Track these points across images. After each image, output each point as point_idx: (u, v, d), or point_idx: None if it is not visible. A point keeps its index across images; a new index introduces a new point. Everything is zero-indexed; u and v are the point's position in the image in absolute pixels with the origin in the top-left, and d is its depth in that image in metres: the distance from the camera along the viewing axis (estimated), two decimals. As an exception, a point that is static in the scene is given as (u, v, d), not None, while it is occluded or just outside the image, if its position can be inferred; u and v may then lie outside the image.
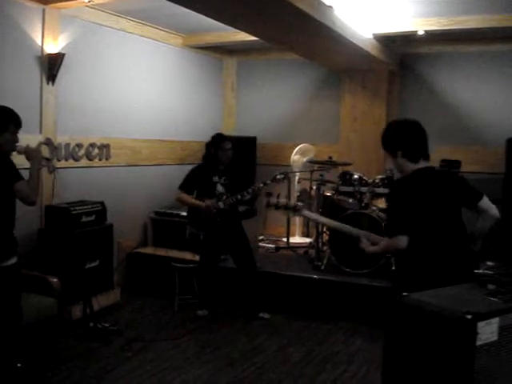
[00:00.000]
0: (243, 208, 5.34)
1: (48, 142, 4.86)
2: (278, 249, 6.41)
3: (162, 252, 5.83)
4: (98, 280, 4.81)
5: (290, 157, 6.84)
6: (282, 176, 4.79)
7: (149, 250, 5.97)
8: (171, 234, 5.94)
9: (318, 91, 7.19)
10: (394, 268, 4.74)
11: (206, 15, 4.40)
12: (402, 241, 2.63)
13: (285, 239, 6.70)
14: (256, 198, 5.01)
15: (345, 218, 5.05)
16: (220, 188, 4.92)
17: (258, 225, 6.58)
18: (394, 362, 2.22)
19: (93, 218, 4.88)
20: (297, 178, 6.79)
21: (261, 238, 6.71)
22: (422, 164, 2.73)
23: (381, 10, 5.11)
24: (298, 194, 6.75)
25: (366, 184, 5.52)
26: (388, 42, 6.05)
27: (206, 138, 5.15)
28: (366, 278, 5.01)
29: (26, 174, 3.12)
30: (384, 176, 5.56)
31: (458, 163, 5.77)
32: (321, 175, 5.82)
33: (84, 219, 4.78)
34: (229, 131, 6.98)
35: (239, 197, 4.80)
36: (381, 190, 5.41)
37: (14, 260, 3.07)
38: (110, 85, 5.63)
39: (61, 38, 4.92)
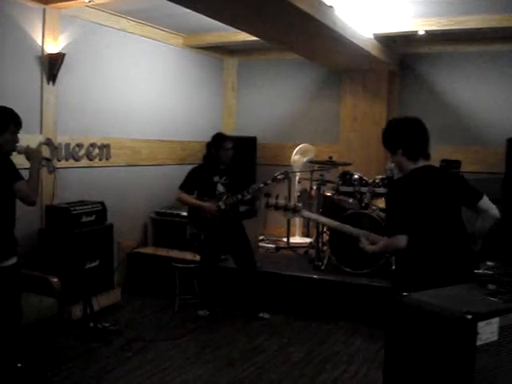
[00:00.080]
0: (244, 208, 5.34)
1: (48, 142, 4.86)
2: (278, 249, 6.41)
3: (162, 252, 5.83)
4: (98, 280, 4.81)
5: (290, 157, 6.84)
6: (283, 176, 4.79)
7: (149, 250, 5.98)
8: (171, 234, 5.94)
9: (318, 91, 7.19)
10: (393, 268, 4.74)
11: (207, 15, 4.40)
12: (401, 240, 2.63)
13: (285, 239, 6.70)
14: (256, 198, 5.00)
15: (345, 218, 5.05)
16: (220, 188, 4.92)
17: (259, 225, 6.58)
18: (395, 362, 2.22)
19: (93, 217, 4.88)
20: (297, 178, 6.79)
21: (261, 238, 6.71)
22: (421, 163, 2.73)
23: (381, 10, 5.11)
24: (299, 194, 6.76)
25: (366, 184, 5.52)
26: (388, 42, 6.05)
27: (206, 138, 5.15)
28: (366, 278, 5.01)
29: (25, 174, 3.12)
30: (384, 176, 5.55)
31: (458, 163, 5.78)
32: (321, 175, 5.82)
33: (84, 219, 4.78)
34: (229, 131, 6.96)
35: (240, 197, 4.79)
36: (381, 190, 5.40)
37: (13, 260, 3.07)
38: (111, 85, 5.63)
39: (61, 38, 4.92)
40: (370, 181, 5.54)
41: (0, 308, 3.03)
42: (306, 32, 4.73)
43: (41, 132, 4.83)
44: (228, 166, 4.97)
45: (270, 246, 6.49)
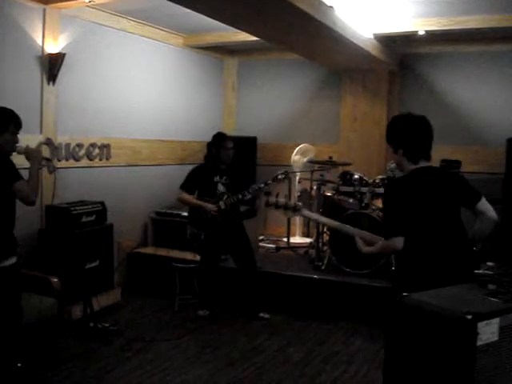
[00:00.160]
0: (244, 208, 5.34)
1: (48, 142, 4.86)
2: (278, 249, 6.41)
3: (162, 252, 5.83)
4: (98, 280, 4.81)
5: (290, 157, 6.84)
6: (283, 176, 4.79)
7: (149, 250, 5.98)
8: (171, 234, 5.94)
9: (318, 91, 7.19)
10: (393, 268, 4.74)
11: (207, 15, 4.40)
12: (398, 242, 2.62)
13: (285, 239, 6.71)
14: (257, 198, 5.00)
15: (345, 218, 5.05)
16: (221, 188, 4.92)
17: (259, 225, 6.58)
18: (395, 362, 2.22)
19: (93, 218, 4.88)
20: (297, 178, 6.79)
21: (261, 237, 6.71)
22: (421, 164, 2.71)
23: (381, 10, 5.11)
24: (299, 194, 6.76)
25: (367, 184, 5.52)
26: (388, 42, 6.05)
27: (206, 138, 5.15)
28: (366, 278, 5.01)
29: (25, 174, 3.12)
30: (384, 176, 5.56)
31: (458, 163, 5.78)
32: (321, 175, 5.82)
33: (84, 219, 4.78)
34: (229, 131, 6.96)
35: (240, 196, 4.79)
36: (381, 190, 5.40)
37: (13, 260, 3.07)
38: (111, 85, 5.63)
39: (61, 38, 4.92)
40: (370, 181, 5.54)
41: (0, 308, 3.03)
42: (306, 32, 4.73)
43: (41, 132, 4.83)
44: (228, 165, 4.97)
45: (270, 245, 6.49)
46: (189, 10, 4.24)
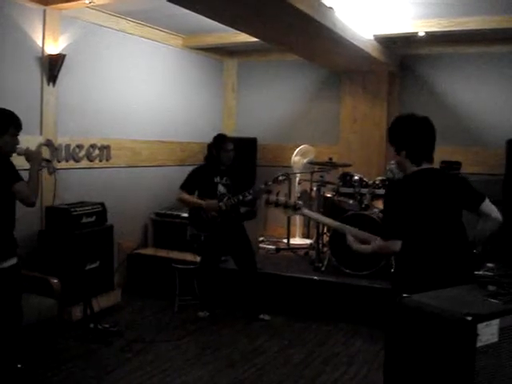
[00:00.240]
0: (244, 209, 5.34)
1: (48, 143, 4.86)
2: (278, 250, 6.41)
3: (162, 253, 5.83)
4: (98, 281, 4.81)
5: (290, 158, 6.84)
6: (284, 177, 4.79)
7: (149, 251, 5.98)
8: (171, 235, 5.94)
9: (318, 92, 7.19)
10: (393, 270, 4.74)
11: (206, 16, 4.40)
12: (395, 244, 2.62)
13: (285, 240, 6.70)
14: (257, 199, 5.00)
15: (345, 220, 5.04)
16: (221, 189, 4.92)
17: (259, 226, 6.58)
18: (395, 363, 2.22)
19: (93, 219, 4.88)
20: (297, 179, 6.79)
21: (261, 239, 6.71)
22: (424, 166, 2.70)
23: (381, 11, 5.11)
24: (299, 195, 6.76)
25: (367, 185, 5.53)
26: (388, 43, 6.05)
27: (206, 139, 5.16)
28: (367, 280, 5.00)
29: (25, 176, 3.12)
30: (384, 177, 5.56)
31: (458, 164, 5.78)
32: (321, 176, 5.83)
33: (84, 220, 4.78)
34: (229, 132, 6.96)
35: (240, 197, 4.79)
36: (381, 192, 5.40)
37: (13, 261, 3.07)
38: (111, 86, 5.64)
39: (61, 39, 4.92)
40: (370, 182, 5.54)
41: (0, 309, 3.03)
42: (306, 33, 4.73)
43: (41, 133, 4.83)
44: (229, 167, 4.97)
45: (270, 247, 6.49)
46: (188, 11, 4.24)
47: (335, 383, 3.77)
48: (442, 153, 5.70)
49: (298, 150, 6.81)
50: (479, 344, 1.90)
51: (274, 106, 7.37)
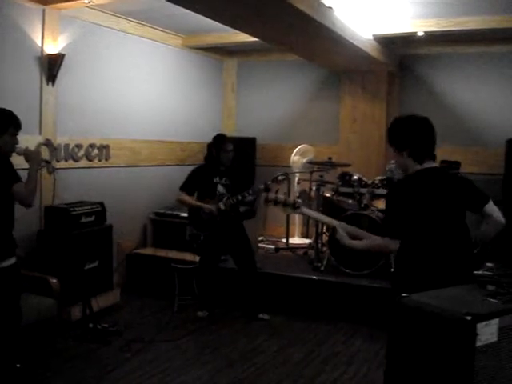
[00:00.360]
0: (243, 208, 5.34)
1: (48, 143, 4.86)
2: (277, 250, 6.41)
3: (161, 253, 5.83)
4: (97, 281, 4.80)
5: (289, 157, 6.84)
6: (283, 177, 4.79)
7: (148, 251, 5.98)
8: (171, 235, 5.94)
9: (317, 92, 7.19)
10: (393, 270, 4.74)
11: (206, 16, 4.40)
12: (394, 244, 2.62)
13: (284, 240, 6.70)
14: (257, 198, 5.00)
15: (344, 219, 5.04)
16: (221, 189, 4.92)
17: (258, 225, 6.58)
18: (396, 362, 2.22)
19: (92, 218, 4.88)
20: (296, 178, 6.79)
21: (260, 238, 6.71)
22: (427, 164, 2.69)
23: (380, 11, 5.11)
24: (298, 194, 6.75)
25: (366, 185, 5.53)
26: (388, 43, 6.06)
27: (206, 138, 5.15)
28: (366, 279, 5.00)
29: (24, 175, 3.11)
30: (384, 177, 5.56)
31: (457, 164, 5.78)
32: (320, 176, 5.83)
33: (83, 220, 4.78)
34: (228, 132, 6.96)
35: (240, 197, 4.79)
36: (380, 191, 5.41)
37: (12, 261, 3.07)
38: (110, 85, 5.63)
39: (61, 39, 4.92)
40: (370, 182, 5.54)
41: (-1, 309, 3.04)
42: (306, 33, 4.73)
43: (40, 133, 4.82)
44: (228, 167, 4.98)
45: (270, 246, 6.49)
46: (188, 11, 4.24)
47: (335, 383, 3.77)
48: (441, 152, 5.69)
49: (297, 149, 6.81)
50: (478, 343, 1.90)
51: (274, 105, 7.37)
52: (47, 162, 3.54)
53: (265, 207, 6.04)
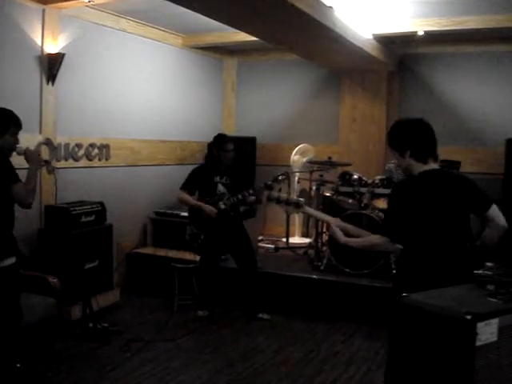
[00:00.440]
0: (243, 208, 5.34)
1: (48, 142, 4.86)
2: (277, 249, 6.41)
3: (161, 252, 5.83)
4: (97, 280, 4.81)
5: (289, 157, 6.84)
6: (283, 176, 4.78)
7: (148, 251, 5.98)
8: (171, 235, 5.94)
9: (317, 92, 7.19)
10: (394, 271, 4.75)
11: (204, 14, 4.39)
12: (390, 245, 2.62)
13: (284, 239, 6.70)
14: (258, 198, 4.99)
15: (344, 219, 5.04)
16: (221, 188, 4.92)
17: (258, 225, 6.58)
18: (397, 361, 2.22)
19: (92, 218, 4.88)
20: (296, 178, 6.79)
21: (260, 238, 6.71)
22: (430, 165, 2.67)
23: (380, 10, 5.11)
24: (298, 194, 6.76)
25: (366, 184, 5.52)
26: (388, 42, 6.06)
27: (206, 138, 5.15)
28: (366, 279, 5.00)
29: (24, 175, 3.11)
30: (383, 176, 5.56)
31: (457, 163, 5.78)
32: (320, 175, 5.83)
33: (83, 219, 4.78)
34: (228, 131, 6.96)
35: (240, 197, 4.79)
36: (380, 191, 5.40)
37: (12, 260, 3.07)
38: (110, 85, 5.63)
39: (61, 38, 4.92)
40: (370, 181, 5.54)
41: (-1, 308, 3.04)
42: (306, 32, 4.73)
43: (40, 132, 4.82)
44: (229, 166, 4.98)
45: (270, 246, 6.49)
46: (188, 10, 4.23)
47: (334, 382, 3.77)
48: (441, 152, 5.71)
49: (297, 149, 6.81)
50: (478, 343, 1.90)
51: (274, 105, 7.37)
52: (47, 162, 3.55)
53: (265, 206, 6.04)
